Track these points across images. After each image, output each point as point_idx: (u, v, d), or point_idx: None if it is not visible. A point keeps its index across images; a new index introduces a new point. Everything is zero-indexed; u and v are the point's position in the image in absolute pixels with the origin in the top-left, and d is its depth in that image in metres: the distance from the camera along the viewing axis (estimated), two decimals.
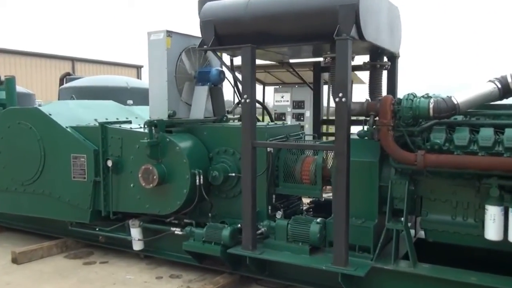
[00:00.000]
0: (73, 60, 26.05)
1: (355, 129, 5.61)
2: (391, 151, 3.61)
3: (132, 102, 7.11)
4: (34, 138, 5.13)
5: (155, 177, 4.32)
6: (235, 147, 4.45)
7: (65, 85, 10.78)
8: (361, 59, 4.58)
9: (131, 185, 4.64)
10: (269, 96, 12.24)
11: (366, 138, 3.83)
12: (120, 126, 4.83)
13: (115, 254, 5.20)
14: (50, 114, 5.10)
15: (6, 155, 5.36)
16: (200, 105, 4.88)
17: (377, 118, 3.71)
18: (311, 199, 5.20)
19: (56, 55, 25.32)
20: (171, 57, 4.73)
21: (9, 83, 7.00)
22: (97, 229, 5.06)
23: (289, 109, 11.97)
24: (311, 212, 5.03)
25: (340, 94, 3.47)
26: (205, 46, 4.19)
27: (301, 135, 5.02)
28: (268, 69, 12.07)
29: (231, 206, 4.52)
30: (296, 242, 3.98)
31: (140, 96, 9.93)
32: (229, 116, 5.32)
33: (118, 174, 4.75)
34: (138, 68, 30.33)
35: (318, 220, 3.96)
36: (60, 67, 24.84)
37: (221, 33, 4.12)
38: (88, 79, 11.09)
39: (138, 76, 28.72)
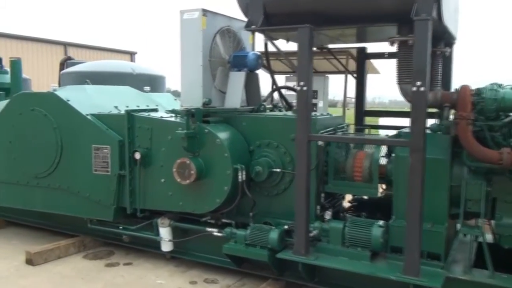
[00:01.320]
0: (65, 45, 25.24)
1: (398, 121, 5.27)
2: (471, 148, 3.21)
3: (149, 89, 6.60)
4: (49, 127, 4.64)
5: (192, 172, 3.88)
6: (279, 139, 4.02)
7: (67, 70, 10.15)
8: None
9: (162, 180, 4.19)
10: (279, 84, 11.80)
11: (440, 132, 3.42)
12: (149, 115, 4.35)
13: (138, 254, 4.76)
14: (68, 100, 4.60)
15: (17, 145, 4.86)
16: (236, 93, 4.42)
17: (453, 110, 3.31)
18: (353, 197, 4.80)
19: (48, 40, 24.49)
20: (206, 39, 4.27)
21: (15, 65, 6.49)
22: (120, 227, 4.60)
23: (294, 100, 11.49)
24: (350, 211, 4.66)
25: (418, 83, 3.05)
26: (253, 27, 3.72)
27: (345, 127, 4.60)
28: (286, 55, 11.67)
29: (273, 205, 4.10)
30: (354, 247, 3.58)
31: (145, 83, 9.42)
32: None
33: (147, 167, 4.29)
34: (132, 54, 29.64)
35: (380, 223, 3.56)
36: (52, 51, 24.10)
37: (271, 12, 3.67)
38: (91, 64, 10.48)
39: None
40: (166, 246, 4.40)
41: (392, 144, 3.48)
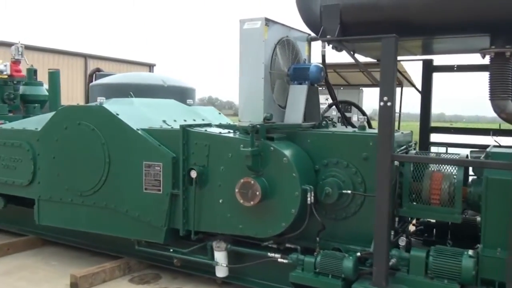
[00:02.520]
0: (85, 56, 25.31)
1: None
2: None
3: (192, 102, 6.35)
4: (97, 142, 4.39)
5: (257, 193, 3.58)
6: (349, 158, 3.71)
7: (97, 82, 10.00)
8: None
9: (220, 200, 3.90)
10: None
11: None
12: (206, 130, 4.08)
13: (187, 279, 4.46)
14: (118, 114, 4.35)
15: (61, 161, 4.61)
16: (298, 108, 4.13)
17: None
18: (417, 220, 4.46)
19: (69, 51, 24.58)
20: (267, 50, 4.00)
21: (53, 77, 6.30)
22: (171, 250, 4.31)
23: (334, 112, 11.24)
24: (414, 235, 4.33)
25: None
26: (328, 36, 3.44)
27: (413, 145, 4.29)
28: (336, 68, 11.44)
29: (340, 229, 3.78)
30: (440, 278, 3.24)
31: (176, 95, 9.21)
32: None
33: (203, 187, 4.01)
34: (151, 66, 29.65)
35: (470, 252, 3.22)
36: (73, 63, 24.18)
37: (348, 20, 3.39)
38: (121, 75, 10.31)
39: None
40: (221, 272, 4.09)
41: (496, 167, 3.13)
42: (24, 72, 6.73)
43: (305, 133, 3.94)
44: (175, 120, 4.81)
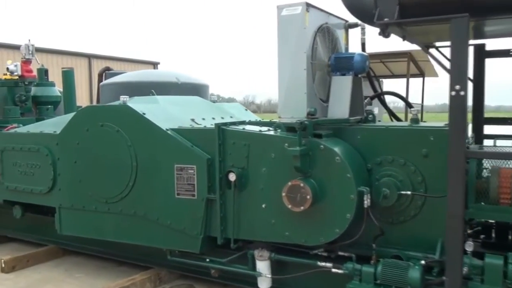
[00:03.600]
0: (89, 56, 25.00)
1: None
2: None
3: (216, 98, 5.99)
4: (123, 144, 4.04)
5: (308, 197, 3.22)
6: (406, 155, 3.34)
7: (107, 81, 9.63)
8: None
9: (262, 205, 3.54)
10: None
11: None
12: (244, 129, 3.72)
13: None
14: (144, 114, 4.00)
15: (84, 166, 4.26)
16: (343, 101, 3.75)
17: None
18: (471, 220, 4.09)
19: (72, 52, 24.25)
20: (308, 38, 3.63)
21: (67, 76, 5.95)
22: (207, 260, 3.95)
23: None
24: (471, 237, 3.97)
25: None
26: (386, 19, 3.06)
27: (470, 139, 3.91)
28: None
29: (397, 234, 3.41)
30: None
31: (190, 92, 8.84)
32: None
33: (242, 190, 3.65)
34: (155, 65, 29.27)
35: None
36: (76, 64, 23.79)
37: (407, 1, 3.01)
38: (133, 74, 9.93)
39: None
40: (265, 283, 3.74)
41: None
42: (35, 73, 6.37)
43: (354, 129, 3.56)
44: (203, 118, 4.45)
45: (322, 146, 3.29)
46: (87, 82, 24.22)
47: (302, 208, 3.25)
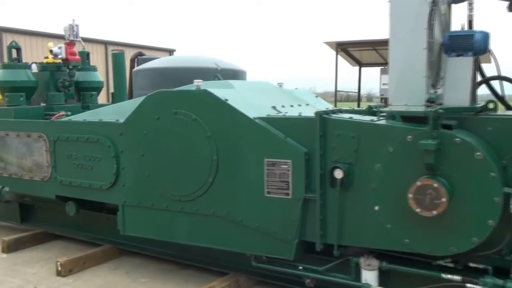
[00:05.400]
0: (106, 43, 24.50)
1: None
2: None
3: (283, 84, 5.46)
4: (201, 135, 3.54)
5: (443, 199, 2.71)
6: None
7: (142, 67, 9.12)
8: None
9: (375, 207, 3.04)
10: (370, 78, 10.61)
11: None
12: (351, 118, 3.20)
13: None
14: (227, 100, 3.49)
15: (153, 159, 3.78)
16: (463, 86, 3.21)
17: None
18: None
19: (88, 38, 23.68)
20: (426, 13, 3.09)
21: (118, 59, 5.46)
22: (300, 267, 3.47)
23: None
24: None
25: None
26: None
27: None
28: (376, 45, 10.49)
29: None
30: None
31: (230, 79, 8.35)
32: None
33: (349, 190, 3.15)
34: (171, 52, 28.74)
35: None
36: (93, 50, 23.28)
37: None
38: (168, 59, 9.50)
39: None
40: None
41: None
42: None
43: (484, 119, 3.03)
44: (283, 106, 3.94)
45: (457, 139, 2.77)
46: (103, 69, 23.74)
47: (434, 212, 2.75)
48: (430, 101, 3.05)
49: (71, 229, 5.00)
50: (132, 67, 9.72)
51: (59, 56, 5.42)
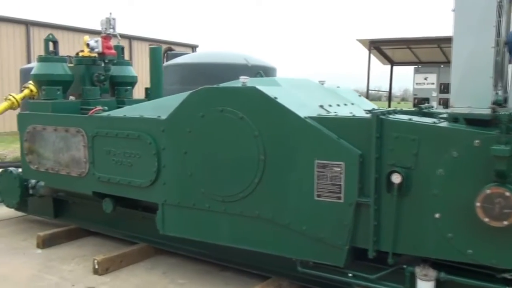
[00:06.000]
0: (130, 38, 24.59)
1: None
2: None
3: (325, 82, 5.31)
4: (248, 134, 3.41)
5: None
6: None
7: (171, 62, 9.09)
8: None
9: (435, 215, 2.87)
10: (404, 78, 10.36)
11: None
12: (410, 119, 3.03)
13: None
14: (276, 98, 3.35)
15: (196, 158, 3.66)
16: None
17: None
18: None
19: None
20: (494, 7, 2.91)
21: (155, 54, 5.36)
22: (350, 274, 3.32)
23: (434, 94, 10.00)
24: None
25: None
26: None
27: None
28: (410, 44, 10.21)
29: None
30: None
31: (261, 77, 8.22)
32: None
33: (407, 195, 2.98)
34: (193, 47, 28.73)
35: None
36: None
37: None
38: (197, 54, 9.42)
39: None
40: None
41: None
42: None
43: None
44: (330, 105, 3.79)
45: None
46: None
47: (505, 223, 2.57)
48: (498, 104, 2.88)
49: (105, 226, 4.93)
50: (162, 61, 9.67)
51: (96, 50, 5.35)
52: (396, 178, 2.95)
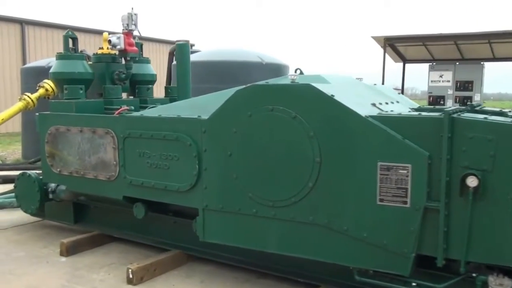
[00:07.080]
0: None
1: None
2: None
3: (363, 78, 5.10)
4: (302, 134, 3.20)
5: None
6: None
7: None
8: None
9: None
10: (418, 75, 10.22)
11: None
12: (486, 118, 2.83)
13: None
14: (333, 96, 3.14)
15: (242, 160, 3.44)
16: None
17: None
18: None
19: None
20: None
21: (183, 50, 5.12)
22: (413, 284, 3.12)
23: (450, 91, 9.89)
24: None
25: None
26: None
27: None
28: (426, 41, 10.04)
29: None
30: None
31: (273, 74, 8.02)
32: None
33: (484, 200, 2.79)
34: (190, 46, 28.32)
35: None
36: None
37: None
38: (210, 52, 9.16)
39: None
40: None
41: None
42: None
43: None
44: (380, 103, 3.59)
45: None
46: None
47: None
48: None
49: (132, 232, 4.68)
50: (171, 59, 9.44)
51: (118, 47, 5.09)
52: (472, 182, 2.75)
